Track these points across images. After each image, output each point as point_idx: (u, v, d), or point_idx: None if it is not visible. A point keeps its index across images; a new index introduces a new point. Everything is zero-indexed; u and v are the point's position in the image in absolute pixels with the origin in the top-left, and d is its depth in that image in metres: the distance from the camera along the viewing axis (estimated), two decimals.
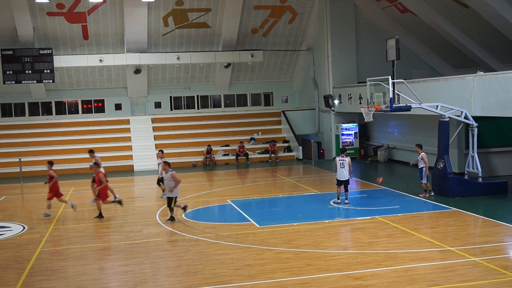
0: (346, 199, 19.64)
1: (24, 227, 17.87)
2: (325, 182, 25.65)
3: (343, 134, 33.42)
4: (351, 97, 31.27)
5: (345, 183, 19.63)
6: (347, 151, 20.38)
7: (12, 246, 15.62)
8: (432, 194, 20.65)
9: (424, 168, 20.47)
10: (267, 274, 12.14)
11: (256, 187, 24.87)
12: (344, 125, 33.47)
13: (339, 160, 19.79)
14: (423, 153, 20.60)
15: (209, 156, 33.79)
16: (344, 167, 19.58)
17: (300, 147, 34.79)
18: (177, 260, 13.67)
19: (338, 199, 19.85)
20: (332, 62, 33.93)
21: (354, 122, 33.55)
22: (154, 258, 13.84)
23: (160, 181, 21.45)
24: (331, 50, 33.87)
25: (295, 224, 16.80)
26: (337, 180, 19.78)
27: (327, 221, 17.23)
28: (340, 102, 33.01)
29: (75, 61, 34.12)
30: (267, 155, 34.76)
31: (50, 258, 14.22)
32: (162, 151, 23.49)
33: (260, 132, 36.90)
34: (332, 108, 33.92)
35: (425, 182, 20.61)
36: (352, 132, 33.43)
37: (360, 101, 29.61)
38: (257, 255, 13.69)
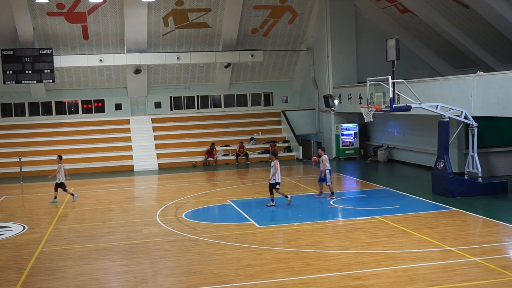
0: (272, 201, 19.66)
1: (24, 227, 17.87)
2: None
3: (343, 134, 33.43)
4: (351, 97, 31.28)
5: (271, 186, 19.58)
6: (277, 156, 20.02)
7: (12, 246, 15.63)
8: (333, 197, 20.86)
9: (327, 170, 20.70)
10: (266, 274, 12.14)
11: (256, 187, 24.87)
12: (344, 125, 33.47)
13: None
14: (324, 156, 20.83)
15: (211, 156, 33.76)
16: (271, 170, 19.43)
17: (300, 147, 34.80)
18: (177, 260, 13.67)
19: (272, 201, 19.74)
20: (332, 62, 33.94)
21: (354, 122, 33.55)
22: (154, 258, 13.84)
23: None
24: (331, 50, 33.87)
25: (295, 224, 16.80)
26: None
27: (327, 221, 17.24)
28: (340, 102, 33.02)
29: (75, 61, 34.13)
30: (267, 155, 34.76)
31: (50, 258, 14.20)
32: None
33: (260, 132, 36.91)
34: (332, 108, 33.93)
35: (329, 184, 20.82)
36: (352, 132, 33.43)
37: (360, 101, 29.63)
38: (257, 255, 13.69)
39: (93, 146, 34.22)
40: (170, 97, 38.03)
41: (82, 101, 37.11)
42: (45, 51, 32.99)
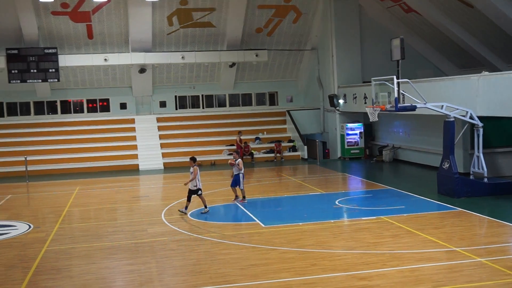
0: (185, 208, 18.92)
1: (29, 226, 17.92)
2: (330, 182, 25.67)
3: (348, 134, 33.40)
4: (356, 97, 31.25)
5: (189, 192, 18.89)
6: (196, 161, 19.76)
7: (17, 245, 15.68)
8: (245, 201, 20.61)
9: (241, 174, 20.53)
10: (271, 274, 12.14)
11: (261, 186, 24.89)
12: (349, 125, 33.43)
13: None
14: (240, 159, 20.64)
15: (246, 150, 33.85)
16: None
17: (305, 147, 34.79)
18: (182, 259, 13.69)
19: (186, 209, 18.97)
20: (336, 62, 33.91)
21: (359, 122, 33.51)
22: (159, 258, 13.86)
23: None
24: (336, 50, 33.85)
25: (300, 224, 16.80)
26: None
27: (332, 221, 17.22)
28: (345, 102, 32.99)
29: (80, 60, 34.19)
30: (272, 155, 34.78)
31: (55, 257, 14.24)
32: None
33: (265, 132, 36.90)
34: (337, 108, 33.90)
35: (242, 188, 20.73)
36: (357, 132, 33.39)
37: (365, 100, 29.59)
38: (262, 255, 13.70)
39: (98, 145, 34.27)
40: (175, 96, 38.04)
41: (87, 100, 37.17)
42: (50, 50, 33.10)
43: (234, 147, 34.45)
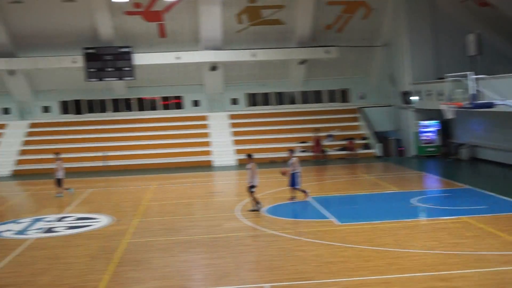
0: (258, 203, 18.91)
1: (111, 219, 18.53)
2: (405, 180, 25.19)
3: (422, 132, 32.66)
4: (430, 94, 30.50)
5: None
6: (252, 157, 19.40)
7: (100, 236, 16.26)
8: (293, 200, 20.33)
9: (297, 173, 20.13)
10: (348, 272, 12.05)
11: (334, 184, 24.75)
12: (424, 122, 32.68)
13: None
14: (294, 158, 20.26)
15: (317, 149, 33.80)
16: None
17: (379, 145, 34.29)
18: (258, 255, 13.80)
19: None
20: (409, 58, 33.21)
21: (434, 119, 32.69)
22: (235, 253, 14.02)
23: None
24: (408, 45, 33.15)
25: (376, 222, 16.58)
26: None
27: (409, 220, 16.91)
28: (420, 99, 32.26)
29: (153, 58, 35.03)
30: (345, 152, 34.50)
31: (136, 249, 14.66)
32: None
33: (337, 129, 36.57)
34: (411, 105, 33.20)
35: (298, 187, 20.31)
36: (433, 130, 32.59)
37: (440, 97, 28.83)
38: (338, 252, 13.62)
39: (172, 141, 35.03)
40: (246, 93, 38.32)
41: (161, 98, 38.04)
42: (125, 49, 34.09)
43: (307, 144, 34.48)
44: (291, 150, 20.80)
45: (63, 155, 33.30)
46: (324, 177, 27.99)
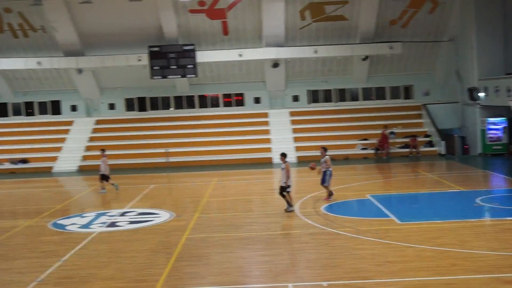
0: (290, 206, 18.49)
1: (171, 214, 18.85)
2: (470, 179, 24.44)
3: (489, 129, 31.59)
4: (498, 90, 29.45)
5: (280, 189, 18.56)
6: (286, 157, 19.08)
7: (161, 231, 16.56)
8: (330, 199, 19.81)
9: (329, 171, 19.62)
10: (409, 272, 11.79)
11: (396, 182, 24.31)
12: (491, 119, 31.60)
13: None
14: (327, 156, 19.72)
15: (382, 146, 33.46)
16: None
17: (443, 142, 33.42)
18: (316, 253, 13.71)
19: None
20: (477, 53, 32.15)
21: (501, 116, 31.56)
22: (293, 250, 13.99)
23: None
24: (476, 40, 32.09)
25: (437, 221, 16.16)
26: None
27: (472, 220, 16.39)
28: (486, 95, 31.20)
29: (215, 56, 35.37)
30: (408, 150, 33.82)
31: (195, 244, 14.85)
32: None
33: (400, 126, 35.89)
34: (478, 102, 32.15)
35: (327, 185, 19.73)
36: (500, 127, 31.47)
37: (508, 94, 27.80)
38: (398, 252, 13.35)
39: (233, 138, 35.29)
40: (308, 90, 38.14)
41: (223, 95, 38.40)
42: (188, 47, 34.58)
43: (369, 142, 34.07)
44: (324, 148, 20.47)
45: (127, 152, 34.51)
46: (385, 175, 27.51)
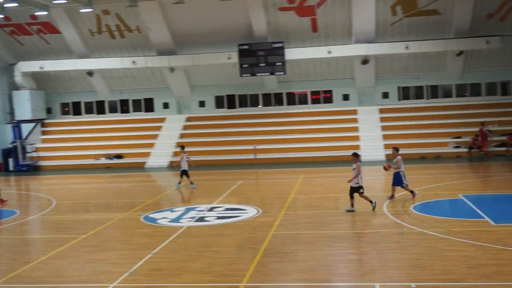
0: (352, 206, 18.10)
1: (258, 211, 19.01)
2: None
3: None
4: None
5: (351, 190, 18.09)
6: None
7: (248, 227, 16.74)
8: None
9: (402, 172, 19.18)
10: (504, 276, 11.25)
11: (491, 182, 23.29)
12: None
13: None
14: (399, 157, 18.79)
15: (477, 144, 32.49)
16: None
17: None
18: (405, 253, 13.37)
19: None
20: None
21: None
22: (381, 249, 13.71)
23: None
24: None
25: None
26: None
27: None
28: None
29: (304, 53, 35.32)
30: (504, 149, 32.35)
31: (282, 241, 14.88)
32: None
33: (496, 124, 34.33)
34: None
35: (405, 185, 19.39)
36: None
37: None
38: (492, 254, 12.77)
39: (321, 135, 35.12)
40: (398, 87, 37.29)
41: (311, 92, 38.29)
42: (277, 45, 34.72)
43: (462, 140, 32.93)
44: (396, 148, 19.83)
45: (216, 148, 35.18)
46: (480, 174, 26.41)
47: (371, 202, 18.13)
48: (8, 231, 18.44)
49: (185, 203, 21.47)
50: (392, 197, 19.74)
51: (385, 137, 34.32)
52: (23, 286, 12.14)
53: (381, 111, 36.49)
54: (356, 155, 18.28)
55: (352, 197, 18.11)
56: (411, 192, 19.66)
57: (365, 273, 11.94)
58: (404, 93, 37.52)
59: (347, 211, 18.11)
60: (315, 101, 38.36)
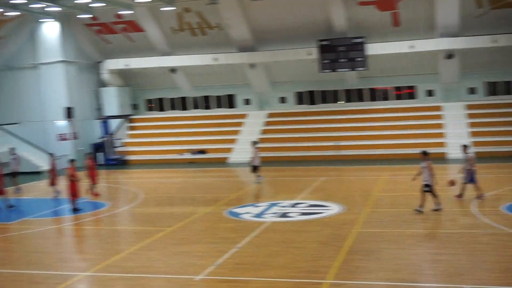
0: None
1: (341, 208, 18.89)
2: None
3: None
4: None
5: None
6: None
7: (331, 224, 16.68)
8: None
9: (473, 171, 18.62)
10: None
11: None
12: None
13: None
14: (472, 154, 17.75)
15: None
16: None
17: None
18: (495, 255, 12.94)
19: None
20: None
21: None
22: (470, 250, 13.32)
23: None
24: None
25: None
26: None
27: None
28: None
29: (386, 48, 34.64)
30: None
31: (366, 239, 14.75)
32: None
33: None
34: None
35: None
36: None
37: None
38: None
39: (404, 132, 34.38)
40: (484, 82, 35.93)
41: (393, 88, 37.58)
42: (358, 40, 34.32)
43: None
44: (466, 146, 19.06)
45: (297, 144, 35.20)
46: None
47: (420, 206, 17.58)
48: (100, 222, 19.30)
49: (268, 198, 21.63)
50: (481, 196, 19.08)
51: (472, 134, 33.15)
52: (113, 276, 12.68)
53: (467, 107, 35.24)
54: (425, 154, 17.94)
55: (434, 195, 17.68)
56: (461, 194, 19.19)
57: (452, 274, 11.66)
58: (492, 89, 36.09)
59: (433, 210, 17.66)
60: (398, 97, 37.61)
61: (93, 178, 24.04)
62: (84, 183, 23.08)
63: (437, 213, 17.39)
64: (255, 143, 26.21)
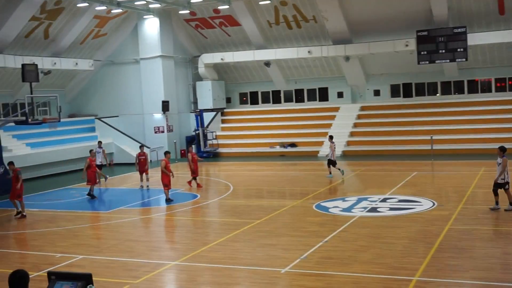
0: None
1: (433, 203, 18.25)
2: None
3: None
4: None
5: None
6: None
7: (421, 220, 16.16)
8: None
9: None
10: None
11: None
12: None
13: None
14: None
15: None
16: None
17: None
18: None
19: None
20: None
21: None
22: None
23: None
24: None
25: None
26: None
27: None
28: None
29: (489, 38, 32.97)
30: None
31: (458, 236, 14.16)
32: None
33: None
34: None
35: None
36: None
37: None
38: None
39: (507, 126, 32.65)
40: None
41: (495, 79, 35.77)
42: (459, 30, 32.89)
43: None
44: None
45: (391, 138, 34.37)
46: None
47: (510, 203, 16.47)
48: (190, 213, 19.79)
49: (357, 193, 21.28)
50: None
51: None
52: (201, 266, 12.94)
53: None
54: (502, 149, 16.82)
55: (496, 194, 16.68)
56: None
57: None
58: None
59: (491, 209, 16.69)
60: (500, 89, 35.74)
61: (195, 170, 24.52)
62: (181, 176, 23.63)
63: None
64: (331, 137, 25.87)
